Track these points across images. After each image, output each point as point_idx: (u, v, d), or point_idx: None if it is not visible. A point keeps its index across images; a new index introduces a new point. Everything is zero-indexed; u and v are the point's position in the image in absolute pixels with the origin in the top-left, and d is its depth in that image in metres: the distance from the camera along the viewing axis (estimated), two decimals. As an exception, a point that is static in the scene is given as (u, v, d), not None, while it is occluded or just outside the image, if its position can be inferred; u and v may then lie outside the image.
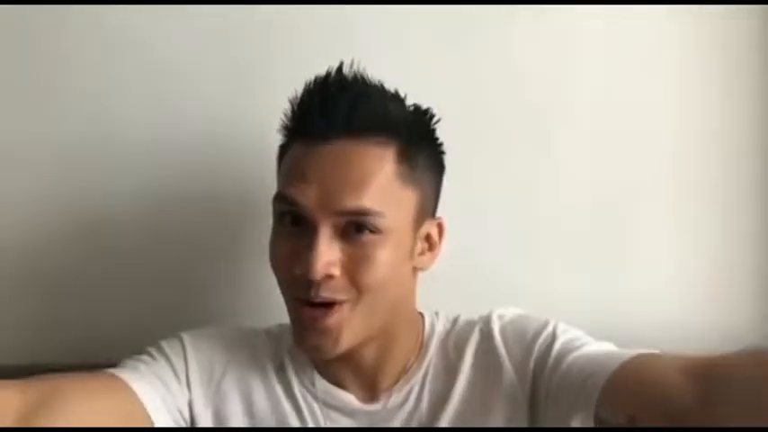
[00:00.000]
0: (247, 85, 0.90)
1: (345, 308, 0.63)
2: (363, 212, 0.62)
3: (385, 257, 0.63)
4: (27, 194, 0.89)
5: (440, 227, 0.70)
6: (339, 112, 0.64)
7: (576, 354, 0.65)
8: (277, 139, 0.71)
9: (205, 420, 0.69)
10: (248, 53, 0.90)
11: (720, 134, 0.95)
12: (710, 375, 0.53)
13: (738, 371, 0.52)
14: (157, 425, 0.64)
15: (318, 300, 0.63)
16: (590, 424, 0.60)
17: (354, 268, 0.63)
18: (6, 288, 0.89)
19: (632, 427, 0.56)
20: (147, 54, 0.89)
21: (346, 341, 0.64)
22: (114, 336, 0.87)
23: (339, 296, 0.63)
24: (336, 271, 0.62)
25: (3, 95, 0.89)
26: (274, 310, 0.73)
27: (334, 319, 0.63)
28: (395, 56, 0.88)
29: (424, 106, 0.70)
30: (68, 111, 0.89)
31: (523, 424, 0.66)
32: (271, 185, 0.71)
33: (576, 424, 0.61)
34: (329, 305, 0.63)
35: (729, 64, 0.94)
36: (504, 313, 0.72)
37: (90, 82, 0.89)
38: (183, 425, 0.69)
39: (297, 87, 0.68)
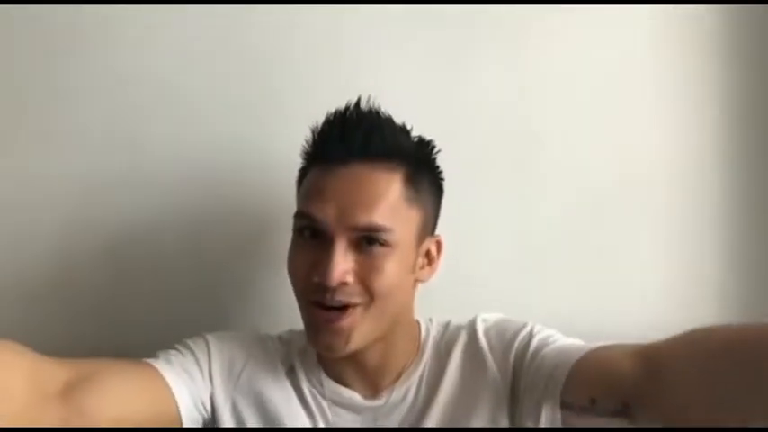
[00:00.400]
0: (259, 110, 0.95)
1: (358, 311, 0.70)
2: (374, 228, 0.69)
3: (392, 268, 0.70)
4: (49, 213, 0.93)
5: (438, 244, 0.78)
6: (356, 140, 0.71)
7: (548, 348, 0.72)
8: (285, 159, 0.78)
9: (224, 413, 0.75)
10: (259, 78, 0.95)
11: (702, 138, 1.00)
12: (654, 356, 0.62)
13: (676, 349, 0.60)
14: (182, 412, 0.72)
15: (334, 303, 0.69)
16: (557, 410, 0.68)
17: (366, 276, 0.70)
18: (26, 300, 0.92)
19: (633, 428, 0.63)
20: (160, 78, 0.93)
21: (356, 341, 0.71)
22: (130, 345, 0.87)
23: (353, 299, 0.70)
24: (350, 278, 0.69)
25: (26, 122, 0.93)
26: (285, 319, 0.81)
27: (347, 321, 0.70)
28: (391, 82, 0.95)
29: (427, 138, 0.78)
30: (89, 136, 0.93)
31: (505, 414, 0.73)
32: (282, 202, 0.77)
33: (546, 410, 0.69)
34: (343, 308, 0.70)
35: (699, 70, 0.99)
36: (487, 317, 0.80)
37: (108, 106, 0.93)
38: (205, 416, 0.75)
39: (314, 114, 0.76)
